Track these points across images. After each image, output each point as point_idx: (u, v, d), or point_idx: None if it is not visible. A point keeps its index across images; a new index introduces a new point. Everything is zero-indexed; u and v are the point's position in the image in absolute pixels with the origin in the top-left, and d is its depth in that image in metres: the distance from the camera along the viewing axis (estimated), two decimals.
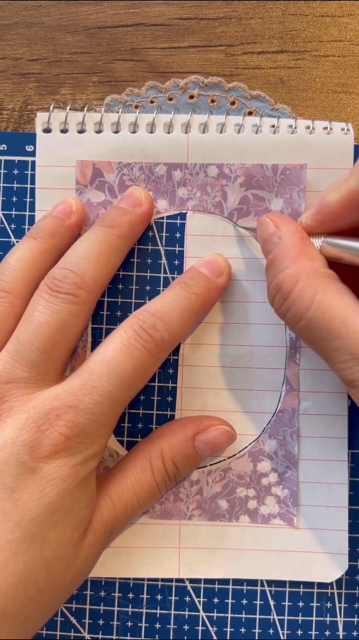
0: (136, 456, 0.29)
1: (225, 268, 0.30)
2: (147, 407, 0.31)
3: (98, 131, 0.31)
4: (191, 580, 0.31)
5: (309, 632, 0.30)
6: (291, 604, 0.31)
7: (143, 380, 0.27)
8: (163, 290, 0.31)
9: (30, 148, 0.31)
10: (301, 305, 0.25)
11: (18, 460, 0.24)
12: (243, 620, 0.31)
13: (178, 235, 0.31)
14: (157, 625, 0.31)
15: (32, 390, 0.26)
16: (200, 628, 0.31)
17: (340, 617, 0.31)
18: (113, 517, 0.27)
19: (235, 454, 0.31)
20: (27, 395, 0.26)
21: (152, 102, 0.31)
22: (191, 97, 0.31)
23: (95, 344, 0.31)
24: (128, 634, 0.31)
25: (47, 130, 0.31)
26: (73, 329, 0.27)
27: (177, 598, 0.31)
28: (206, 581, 0.31)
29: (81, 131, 0.31)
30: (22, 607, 0.23)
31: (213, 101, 0.31)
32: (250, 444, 0.31)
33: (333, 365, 0.25)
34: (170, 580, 0.31)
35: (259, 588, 0.31)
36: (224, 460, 0.31)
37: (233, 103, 0.31)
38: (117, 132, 0.31)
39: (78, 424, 0.25)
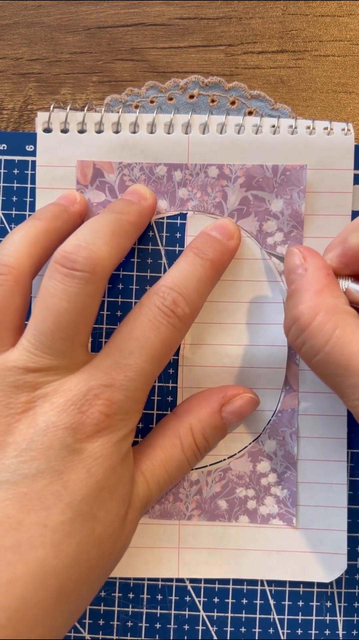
0: (164, 433, 0.29)
1: (235, 230, 0.29)
2: (147, 407, 0.30)
3: (99, 131, 0.30)
4: (192, 580, 0.30)
5: (309, 632, 0.30)
6: (291, 603, 0.30)
7: (170, 354, 0.27)
8: None
9: (31, 148, 0.31)
10: (320, 339, 0.24)
11: (63, 444, 0.24)
12: (243, 619, 0.30)
13: (178, 235, 0.30)
14: (157, 625, 0.30)
15: (64, 375, 0.26)
16: (200, 628, 0.30)
17: (340, 616, 0.30)
18: (147, 493, 0.27)
19: (235, 454, 0.30)
20: (60, 380, 0.25)
21: (152, 102, 0.31)
22: (192, 97, 0.31)
23: (95, 343, 0.31)
24: (129, 633, 0.30)
25: (48, 130, 0.30)
26: (92, 310, 0.26)
27: (177, 598, 0.30)
28: (207, 581, 0.30)
29: (81, 131, 0.30)
30: (76, 585, 0.24)
31: (213, 101, 0.31)
32: (250, 444, 0.30)
33: (347, 402, 0.25)
34: (170, 580, 0.30)
35: (259, 588, 0.30)
36: (224, 460, 0.30)
37: (233, 103, 0.31)
38: (117, 132, 0.30)
39: (117, 401, 0.25)
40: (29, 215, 0.31)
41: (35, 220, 0.28)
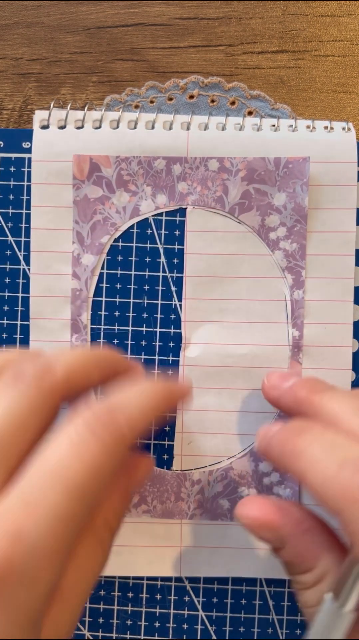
0: (81, 538, 0.21)
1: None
2: None
3: (97, 127, 0.28)
4: (191, 580, 0.29)
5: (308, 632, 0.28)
6: (290, 604, 0.29)
7: (101, 483, 0.19)
8: (162, 289, 0.28)
9: (27, 145, 0.28)
10: None
11: None
12: (242, 619, 0.29)
13: (177, 232, 0.28)
14: (156, 624, 0.29)
15: None
16: (199, 627, 0.29)
17: None
18: (71, 617, 0.19)
19: (236, 455, 0.28)
20: None
21: (151, 102, 0.29)
22: (191, 97, 0.29)
23: (94, 344, 0.29)
24: (128, 632, 0.29)
25: (45, 127, 0.28)
26: (29, 425, 0.20)
27: (176, 597, 0.29)
28: (206, 581, 0.29)
29: (79, 127, 0.28)
30: None
31: (213, 101, 0.29)
32: (252, 444, 0.28)
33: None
34: (170, 579, 0.29)
35: (258, 588, 0.29)
36: (224, 460, 0.28)
37: (233, 103, 0.29)
38: (115, 128, 0.28)
39: (15, 556, 0.17)
40: (26, 213, 0.28)
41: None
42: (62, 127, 0.28)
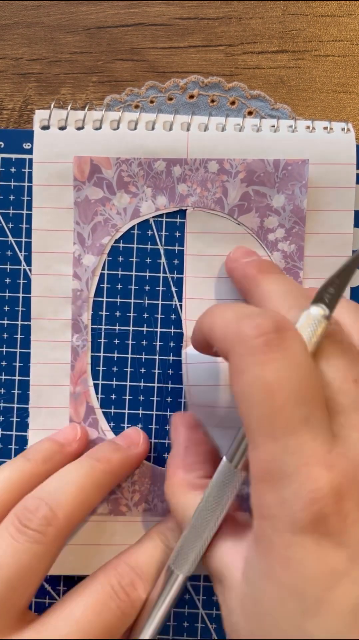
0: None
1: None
2: (146, 407, 0.29)
3: (97, 128, 0.28)
4: (191, 578, 0.28)
5: None
6: None
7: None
8: (162, 290, 0.28)
9: (28, 145, 0.28)
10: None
11: None
12: None
13: (177, 234, 0.28)
14: None
15: None
16: (199, 625, 0.29)
17: None
18: None
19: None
20: None
21: (151, 102, 0.29)
22: (191, 97, 0.29)
23: (95, 344, 0.28)
24: None
25: (45, 128, 0.28)
26: (36, 572, 0.22)
27: None
28: (206, 579, 0.29)
29: (79, 128, 0.28)
30: None
31: (213, 101, 0.29)
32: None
33: None
34: None
35: None
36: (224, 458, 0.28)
37: (233, 103, 0.29)
38: (116, 129, 0.28)
39: None
40: (27, 214, 0.28)
41: (24, 463, 0.25)
42: (63, 128, 0.28)
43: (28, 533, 0.22)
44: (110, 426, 0.28)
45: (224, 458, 0.22)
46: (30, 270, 0.28)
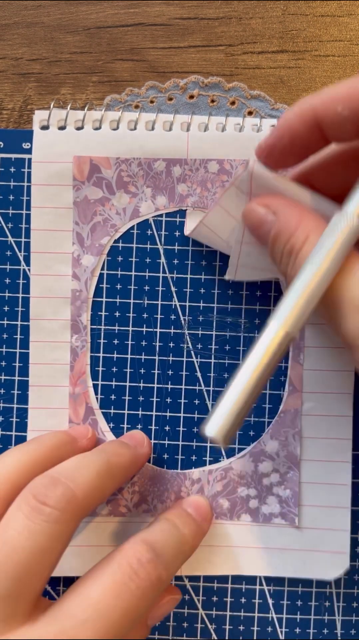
0: None
1: (209, 514, 0.27)
2: (146, 408, 0.28)
3: (97, 128, 0.27)
4: (191, 579, 0.28)
5: (307, 631, 0.28)
6: (289, 602, 0.28)
7: (131, 626, 0.21)
8: (162, 290, 0.28)
9: (27, 145, 0.28)
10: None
11: None
12: (242, 618, 0.28)
13: (177, 233, 0.28)
14: (156, 623, 0.28)
15: (2, 631, 0.20)
16: (199, 626, 0.28)
17: (338, 616, 0.28)
18: None
19: (236, 454, 0.28)
20: None
21: (151, 102, 0.28)
22: (191, 97, 0.28)
23: (94, 345, 0.28)
24: None
25: (45, 128, 0.28)
26: (52, 554, 0.21)
27: None
28: (205, 579, 0.28)
29: (79, 128, 0.27)
30: None
31: (213, 101, 0.28)
32: (251, 444, 0.28)
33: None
34: None
35: (258, 587, 0.28)
36: (224, 459, 0.28)
37: (233, 103, 0.28)
38: (116, 129, 0.27)
39: None
40: (26, 214, 0.28)
41: (35, 445, 0.24)
42: (62, 128, 0.28)
43: (45, 511, 0.21)
44: (109, 427, 0.28)
45: (341, 209, 0.21)
46: (29, 270, 0.28)
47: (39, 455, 0.24)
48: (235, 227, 0.25)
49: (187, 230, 0.28)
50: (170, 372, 0.28)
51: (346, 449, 0.27)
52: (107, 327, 0.28)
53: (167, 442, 0.28)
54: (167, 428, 0.28)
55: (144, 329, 0.28)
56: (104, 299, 0.28)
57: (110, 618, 0.20)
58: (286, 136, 0.22)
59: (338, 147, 0.24)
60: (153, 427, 0.28)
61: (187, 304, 0.28)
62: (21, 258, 0.28)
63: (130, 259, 0.28)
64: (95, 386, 0.28)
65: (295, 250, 0.22)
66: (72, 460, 0.23)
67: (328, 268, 0.20)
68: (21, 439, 0.28)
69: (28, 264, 0.28)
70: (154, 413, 0.28)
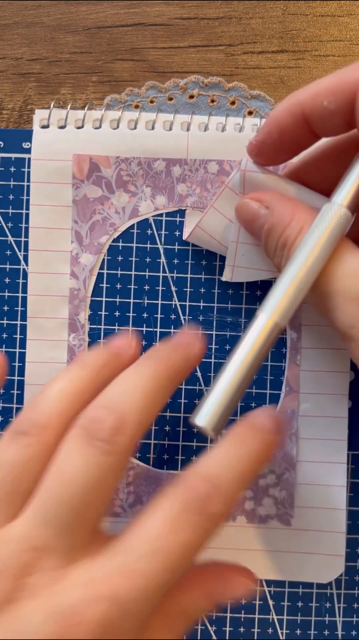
0: (155, 615, 0.22)
1: (281, 423, 0.24)
2: None
3: (97, 127, 0.27)
4: None
5: (308, 632, 0.28)
6: (290, 604, 0.28)
7: (191, 561, 0.21)
8: (162, 290, 0.28)
9: (27, 145, 0.28)
10: None
11: None
12: (242, 619, 0.28)
13: (177, 233, 0.28)
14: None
15: (61, 563, 0.20)
16: (199, 627, 0.28)
17: (339, 617, 0.28)
18: None
19: None
20: (55, 571, 0.20)
21: (151, 102, 0.28)
22: (191, 97, 0.28)
23: (94, 344, 0.28)
24: None
25: (45, 127, 0.27)
26: (108, 485, 0.21)
27: None
28: None
29: (79, 127, 0.27)
30: None
31: (213, 101, 0.28)
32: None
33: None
34: None
35: (258, 588, 0.28)
36: None
37: (233, 103, 0.28)
38: (116, 128, 0.27)
39: (114, 619, 0.19)
40: (26, 213, 0.28)
41: (79, 370, 0.23)
42: (62, 127, 0.27)
43: (97, 445, 0.21)
44: None
45: (330, 200, 0.21)
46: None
47: (84, 381, 0.23)
48: (230, 228, 0.25)
49: (185, 235, 0.27)
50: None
51: (341, 450, 0.27)
52: (107, 327, 0.28)
53: (167, 442, 0.28)
54: (167, 428, 0.28)
55: (144, 329, 0.28)
56: (104, 299, 0.28)
57: (170, 552, 0.20)
58: (274, 132, 0.23)
59: (328, 141, 0.24)
60: (153, 428, 0.28)
61: (187, 303, 0.28)
62: (21, 257, 0.28)
63: (130, 259, 0.28)
64: None
65: (288, 243, 0.22)
66: (118, 382, 0.22)
67: (317, 258, 0.20)
68: None
69: (28, 263, 0.28)
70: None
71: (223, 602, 0.23)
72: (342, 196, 0.21)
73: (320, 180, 0.24)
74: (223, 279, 0.27)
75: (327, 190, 0.23)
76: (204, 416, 0.20)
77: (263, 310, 0.21)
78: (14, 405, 0.28)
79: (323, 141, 0.24)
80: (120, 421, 0.21)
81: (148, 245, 0.28)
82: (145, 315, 0.28)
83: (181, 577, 0.22)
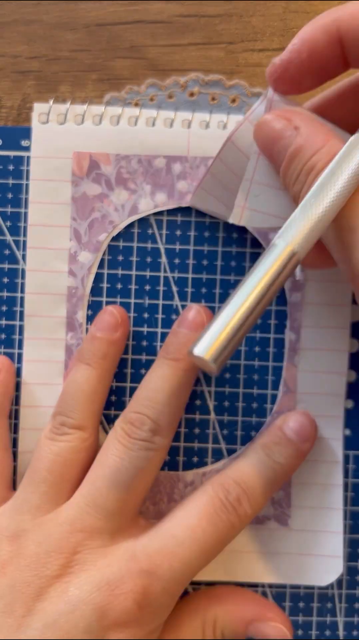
0: (190, 612, 0.25)
1: (312, 433, 0.26)
2: None
3: (97, 124, 0.27)
4: (192, 581, 0.27)
5: (309, 632, 0.28)
6: (291, 604, 0.28)
7: (220, 551, 0.24)
8: (163, 290, 0.28)
9: (26, 143, 0.27)
10: None
11: (87, 627, 0.21)
12: None
13: (178, 232, 0.27)
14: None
15: (107, 543, 0.23)
16: None
17: (340, 617, 0.28)
18: None
19: (229, 456, 0.28)
20: (102, 549, 0.23)
21: (152, 99, 0.28)
22: (192, 94, 0.28)
23: None
24: None
25: (44, 122, 0.27)
26: (150, 475, 0.24)
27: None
28: (206, 581, 0.28)
29: (79, 123, 0.27)
30: None
31: (213, 99, 0.28)
32: (245, 445, 0.27)
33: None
34: None
35: (260, 588, 0.28)
36: (218, 461, 0.27)
37: (233, 101, 0.28)
38: (116, 125, 0.27)
39: (153, 592, 0.22)
40: (25, 212, 0.27)
41: (87, 369, 0.25)
42: (62, 123, 0.27)
43: (138, 443, 0.24)
44: (109, 428, 0.27)
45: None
46: None
47: (96, 376, 0.25)
48: (246, 164, 0.23)
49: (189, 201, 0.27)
50: None
51: (337, 449, 0.27)
52: None
53: None
54: None
55: (145, 329, 0.28)
56: (104, 299, 0.28)
57: (205, 542, 0.23)
58: (304, 51, 0.20)
59: (351, 78, 0.22)
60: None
61: (188, 303, 0.28)
62: (19, 257, 0.28)
63: (130, 258, 0.28)
64: None
65: (316, 169, 0.20)
66: (146, 386, 0.25)
67: (344, 187, 0.18)
68: None
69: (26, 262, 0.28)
70: None
71: (251, 635, 0.25)
72: None
73: (343, 117, 0.22)
74: (230, 221, 0.23)
75: (350, 129, 0.21)
76: (205, 346, 0.18)
77: (281, 236, 0.19)
78: (14, 407, 0.28)
79: (350, 77, 0.22)
80: (156, 425, 0.24)
81: (149, 245, 0.28)
82: (146, 315, 0.28)
83: (223, 592, 0.26)
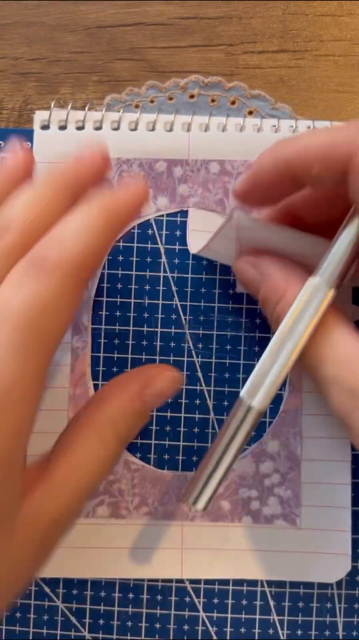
0: (81, 428, 0.21)
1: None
2: None
3: (98, 128, 0.27)
4: (191, 581, 0.28)
5: (309, 632, 0.28)
6: (291, 604, 0.28)
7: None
8: (163, 290, 0.28)
9: (28, 145, 0.27)
10: None
11: None
12: (243, 620, 0.28)
13: (178, 233, 0.27)
14: (157, 625, 0.28)
15: None
16: (200, 628, 0.28)
17: (340, 617, 0.28)
18: (57, 506, 0.20)
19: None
20: None
21: (152, 101, 0.28)
22: (192, 96, 0.28)
23: (95, 344, 0.28)
24: (129, 633, 0.28)
25: (45, 128, 0.27)
26: (61, 310, 0.19)
27: (177, 598, 0.28)
28: (206, 582, 0.28)
29: (80, 128, 0.27)
30: None
31: (213, 101, 0.28)
32: (253, 444, 0.27)
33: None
34: (170, 580, 0.28)
35: (259, 589, 0.28)
36: None
37: (233, 102, 0.28)
38: (116, 129, 0.27)
39: None
40: None
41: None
42: (63, 128, 0.27)
43: (42, 270, 0.18)
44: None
45: (313, 276, 0.21)
46: None
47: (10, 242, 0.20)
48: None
49: (191, 247, 0.27)
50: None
51: (345, 448, 0.27)
52: (107, 327, 0.28)
53: (167, 442, 0.28)
54: (168, 428, 0.28)
55: (145, 329, 0.28)
56: (105, 299, 0.28)
57: (16, 314, 0.18)
58: (259, 186, 0.22)
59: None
60: (154, 428, 0.28)
61: (188, 303, 0.28)
62: None
63: (130, 259, 0.28)
64: (95, 386, 0.28)
65: (281, 318, 0.22)
66: (70, 226, 0.20)
67: (297, 340, 0.21)
68: None
69: None
70: (155, 413, 0.28)
71: (152, 401, 0.22)
72: (328, 273, 0.21)
73: (311, 214, 0.24)
74: (193, 252, 0.27)
75: (319, 223, 0.23)
76: (204, 501, 0.23)
77: (244, 392, 0.22)
78: None
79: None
80: (58, 256, 0.19)
81: (149, 245, 0.28)
82: (146, 315, 0.28)
83: (105, 391, 0.22)
